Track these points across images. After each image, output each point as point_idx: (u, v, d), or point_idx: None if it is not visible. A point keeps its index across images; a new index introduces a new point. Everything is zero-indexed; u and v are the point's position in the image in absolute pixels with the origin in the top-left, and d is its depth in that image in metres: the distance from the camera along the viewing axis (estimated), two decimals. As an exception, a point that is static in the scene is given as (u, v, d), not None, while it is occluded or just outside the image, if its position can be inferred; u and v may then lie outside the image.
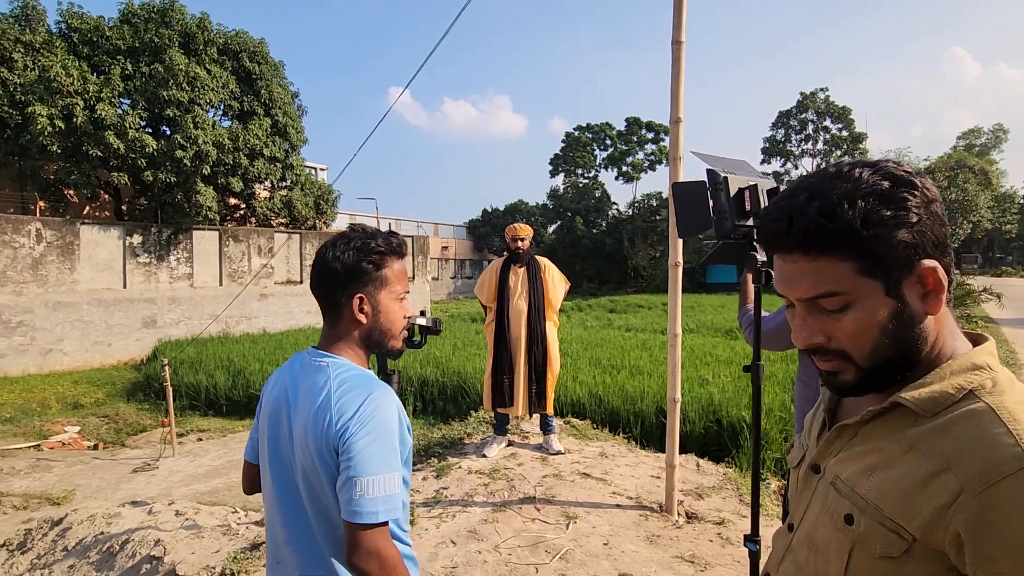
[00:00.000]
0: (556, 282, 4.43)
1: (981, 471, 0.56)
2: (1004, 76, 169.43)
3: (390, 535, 1.08)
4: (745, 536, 1.61)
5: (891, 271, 0.62)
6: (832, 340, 0.66)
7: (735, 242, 1.55)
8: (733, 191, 1.50)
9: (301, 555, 1.16)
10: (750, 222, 1.53)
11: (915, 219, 0.62)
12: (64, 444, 9.03)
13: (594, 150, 42.97)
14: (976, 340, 0.71)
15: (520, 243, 4.32)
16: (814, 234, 0.63)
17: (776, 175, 39.06)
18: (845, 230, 0.61)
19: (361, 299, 1.19)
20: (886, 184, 0.62)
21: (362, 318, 1.19)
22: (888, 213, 0.61)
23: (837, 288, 0.64)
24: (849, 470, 0.69)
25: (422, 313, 1.44)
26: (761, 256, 1.55)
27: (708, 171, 1.55)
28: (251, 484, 1.36)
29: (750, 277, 1.71)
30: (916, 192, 0.62)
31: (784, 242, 0.66)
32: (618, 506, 3.56)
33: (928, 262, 0.63)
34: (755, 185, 1.51)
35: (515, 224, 4.44)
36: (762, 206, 1.51)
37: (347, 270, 1.18)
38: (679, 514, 3.45)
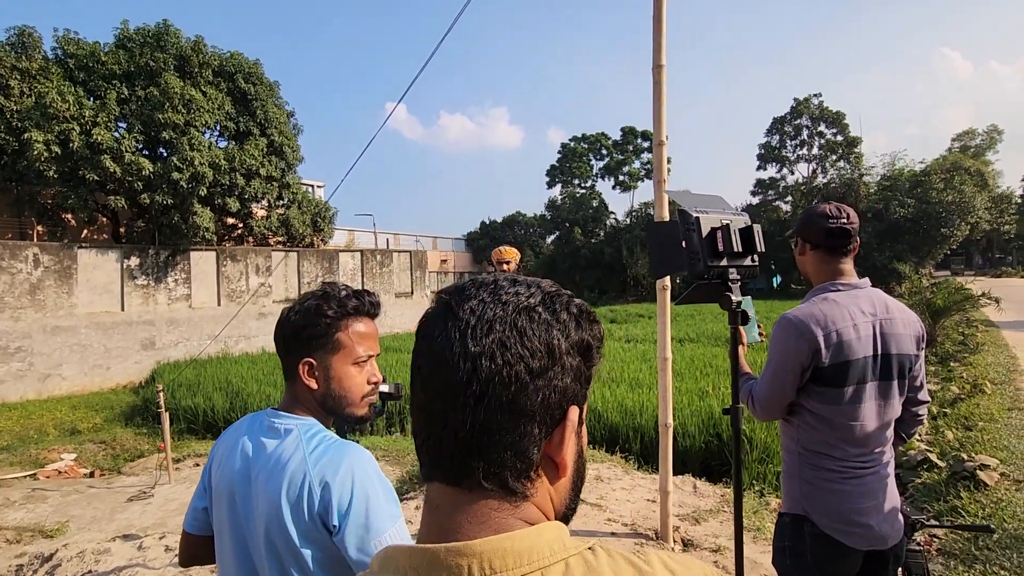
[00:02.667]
0: None
1: None
2: (996, 73, 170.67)
3: None
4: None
5: None
6: None
7: (709, 282, 1.52)
8: (705, 231, 1.48)
9: None
10: (723, 262, 1.50)
11: None
12: (60, 472, 8.96)
13: (590, 160, 43.10)
14: None
15: (505, 267, 4.24)
16: None
17: (772, 180, 39.18)
18: None
19: (309, 364, 1.13)
20: None
21: (311, 383, 1.13)
22: None
23: None
24: None
25: (384, 380, 1.39)
26: (736, 296, 1.53)
27: (680, 211, 1.53)
28: (191, 557, 1.24)
29: (741, 350, 1.63)
30: None
31: None
32: (613, 534, 3.50)
33: None
34: (727, 225, 1.49)
35: (500, 247, 4.29)
36: (735, 246, 1.48)
37: (295, 333, 1.14)
38: (675, 541, 3.40)
